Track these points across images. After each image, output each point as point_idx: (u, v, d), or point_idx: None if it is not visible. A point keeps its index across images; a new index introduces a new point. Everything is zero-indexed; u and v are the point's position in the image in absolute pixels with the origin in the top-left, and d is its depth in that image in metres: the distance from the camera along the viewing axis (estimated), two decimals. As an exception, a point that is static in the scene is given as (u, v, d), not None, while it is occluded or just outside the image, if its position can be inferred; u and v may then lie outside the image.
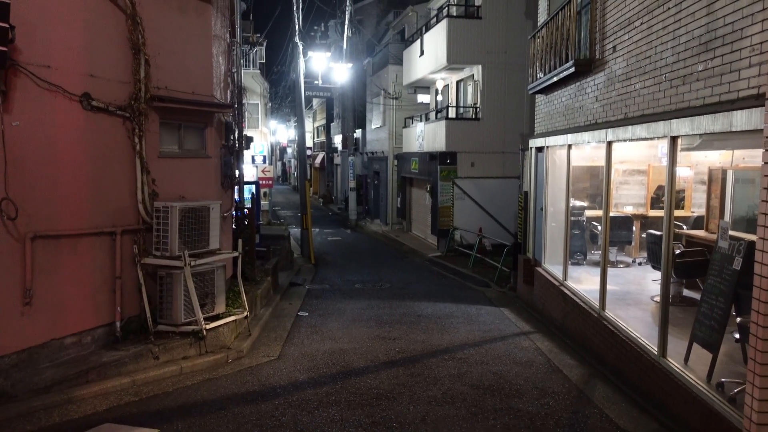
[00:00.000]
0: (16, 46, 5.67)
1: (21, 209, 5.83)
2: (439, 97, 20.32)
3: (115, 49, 6.82)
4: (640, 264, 10.13)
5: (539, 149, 10.38)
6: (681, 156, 5.85)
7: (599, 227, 8.65)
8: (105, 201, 6.78)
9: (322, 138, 43.29)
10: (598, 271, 7.67)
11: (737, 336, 5.08)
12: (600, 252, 7.75)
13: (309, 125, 48.16)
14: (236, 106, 10.30)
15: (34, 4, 5.91)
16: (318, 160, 43.42)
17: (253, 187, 16.87)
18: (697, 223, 9.13)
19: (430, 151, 18.08)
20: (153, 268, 7.24)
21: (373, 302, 10.90)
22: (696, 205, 9.74)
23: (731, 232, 5.62)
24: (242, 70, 11.59)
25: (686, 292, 8.05)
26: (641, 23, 6.26)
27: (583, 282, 8.80)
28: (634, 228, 10.26)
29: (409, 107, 23.10)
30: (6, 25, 5.35)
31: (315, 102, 45.47)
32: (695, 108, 5.08)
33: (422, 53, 19.11)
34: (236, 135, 10.20)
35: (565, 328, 8.61)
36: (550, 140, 9.63)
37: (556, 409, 5.88)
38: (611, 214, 7.80)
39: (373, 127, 26.91)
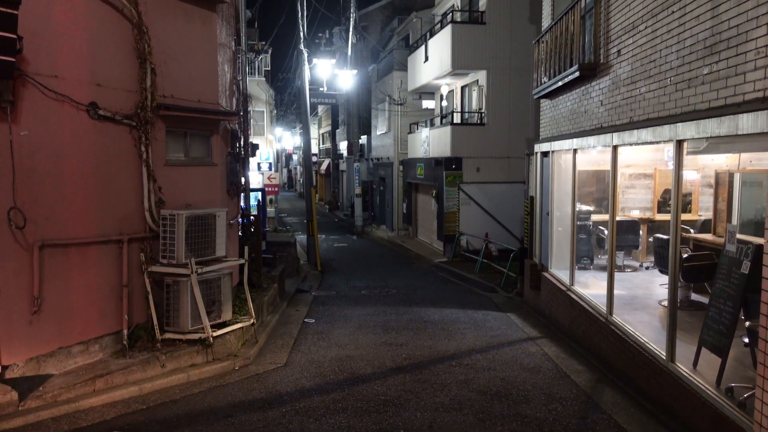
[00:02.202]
0: (23, 56, 5.72)
1: (29, 218, 5.87)
2: (444, 103, 20.35)
3: (121, 58, 6.88)
4: (647, 268, 10.08)
5: (545, 154, 10.37)
6: (687, 159, 5.85)
7: (606, 231, 8.62)
8: (112, 209, 6.82)
9: (328, 144, 43.39)
10: (605, 275, 7.63)
11: (746, 340, 5.04)
12: (607, 256, 7.72)
13: (314, 132, 48.30)
14: (242, 113, 10.34)
15: (41, 15, 5.96)
16: (323, 167, 43.49)
17: (259, 194, 16.89)
18: (705, 226, 9.08)
19: (436, 156, 18.09)
20: (160, 275, 7.26)
21: (380, 308, 10.89)
22: (703, 209, 9.69)
23: (739, 236, 5.58)
24: (247, 78, 11.64)
25: (694, 296, 8.00)
26: (646, 27, 6.26)
27: (590, 287, 8.77)
28: (641, 232, 10.21)
29: (414, 113, 23.13)
30: (13, 36, 5.39)
31: (320, 109, 45.60)
32: (701, 111, 5.07)
33: (427, 59, 19.15)
34: (242, 142, 10.24)
35: (572, 333, 8.57)
36: (556, 145, 9.62)
37: (564, 414, 5.85)
38: (618, 218, 7.78)
39: (378, 133, 26.95)
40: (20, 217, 5.80)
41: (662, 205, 10.29)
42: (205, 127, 8.27)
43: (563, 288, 9.13)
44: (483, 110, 17.29)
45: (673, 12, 5.63)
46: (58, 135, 6.18)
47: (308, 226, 16.63)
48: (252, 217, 11.09)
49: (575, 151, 8.75)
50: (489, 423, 5.65)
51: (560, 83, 8.76)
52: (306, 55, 17.66)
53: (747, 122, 4.36)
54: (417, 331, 9.19)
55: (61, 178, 6.23)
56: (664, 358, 5.80)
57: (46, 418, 5.58)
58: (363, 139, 28.68)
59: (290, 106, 40.87)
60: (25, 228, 5.86)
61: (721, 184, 8.41)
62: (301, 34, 17.56)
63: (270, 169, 24.26)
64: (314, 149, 44.84)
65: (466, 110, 18.89)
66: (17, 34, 5.45)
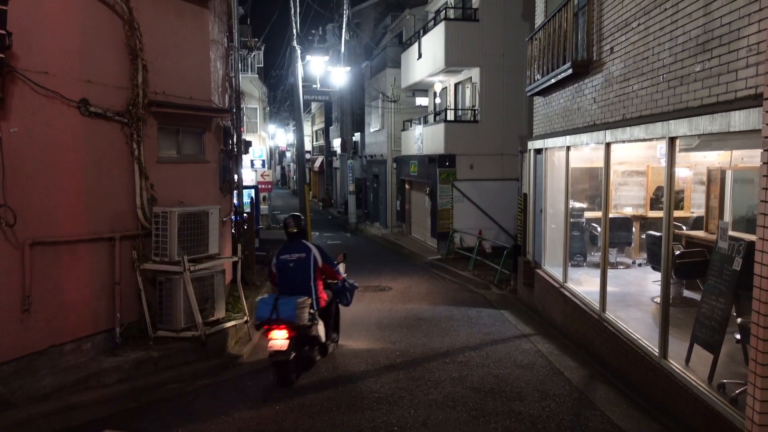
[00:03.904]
0: (13, 52, 5.66)
1: (19, 216, 5.82)
2: (438, 100, 20.34)
3: (112, 54, 6.82)
4: (640, 265, 10.12)
5: (538, 151, 10.38)
6: (680, 157, 5.85)
7: (599, 228, 8.64)
8: (104, 207, 6.77)
9: (321, 141, 43.30)
10: (598, 272, 7.65)
11: (738, 337, 5.07)
12: (600, 253, 7.74)
13: (308, 129, 48.17)
14: (234, 110, 10.31)
15: (31, 11, 5.91)
16: (317, 164, 43.42)
17: (253, 191, 16.86)
18: (697, 223, 9.12)
19: (429, 153, 18.08)
20: (152, 273, 7.22)
21: (373, 306, 10.88)
22: (695, 206, 9.73)
23: (731, 233, 5.61)
24: (240, 75, 11.59)
25: (686, 293, 8.03)
26: (638, 24, 6.27)
27: (584, 283, 8.79)
28: (633, 229, 10.25)
29: (408, 110, 23.11)
30: (3, 32, 5.34)
31: (314, 106, 45.51)
32: (693, 109, 5.08)
33: (420, 56, 19.12)
34: (235, 139, 10.21)
35: (565, 330, 8.60)
36: (549, 142, 9.63)
37: (557, 411, 5.86)
38: (611, 215, 7.79)
39: (371, 130, 26.92)
40: (11, 214, 5.75)
41: (655, 202, 10.32)
42: (198, 124, 8.23)
43: (556, 285, 9.15)
44: (476, 107, 17.29)
45: (665, 9, 5.64)
46: (48, 132, 6.13)
47: (302, 224, 16.56)
48: (245, 215, 11.07)
49: (568, 148, 8.76)
50: (482, 420, 5.65)
51: (553, 80, 8.77)
52: (299, 52, 17.64)
53: (739, 119, 4.37)
54: (410, 328, 9.19)
55: (51, 176, 6.18)
56: (657, 354, 5.82)
57: (38, 417, 5.53)
58: (356, 137, 28.63)
59: (283, 103, 40.75)
60: (16, 226, 5.81)
61: (713, 181, 8.44)
62: (294, 30, 17.52)
63: (263, 166, 24.21)
64: (308, 146, 44.69)
65: (460, 107, 18.89)
66: (6, 30, 5.40)
